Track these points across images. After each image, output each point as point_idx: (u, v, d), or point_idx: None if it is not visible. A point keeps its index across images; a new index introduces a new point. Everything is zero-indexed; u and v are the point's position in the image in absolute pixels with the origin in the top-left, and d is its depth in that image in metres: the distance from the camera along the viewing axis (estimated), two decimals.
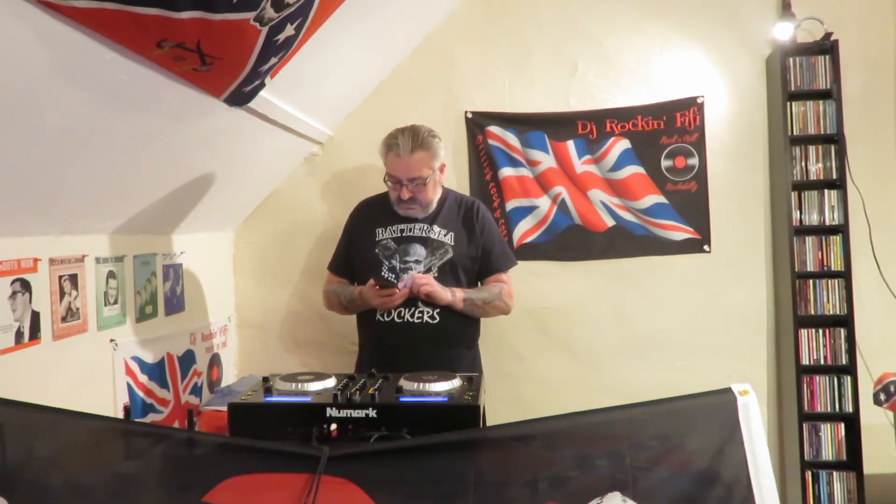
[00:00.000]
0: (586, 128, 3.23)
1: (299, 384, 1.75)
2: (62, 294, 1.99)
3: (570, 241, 3.25)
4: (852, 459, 2.95)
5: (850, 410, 2.95)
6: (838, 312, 2.99)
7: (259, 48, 1.64)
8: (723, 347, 3.20)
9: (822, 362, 3.00)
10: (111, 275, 2.25)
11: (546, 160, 3.24)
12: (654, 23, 3.22)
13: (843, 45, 3.02)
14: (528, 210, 3.26)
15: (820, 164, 3.04)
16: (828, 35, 3.03)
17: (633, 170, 3.22)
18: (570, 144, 3.23)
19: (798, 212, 3.03)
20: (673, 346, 3.22)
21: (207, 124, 2.12)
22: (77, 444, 1.52)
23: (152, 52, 1.49)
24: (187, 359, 2.75)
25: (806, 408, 2.98)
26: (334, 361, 3.17)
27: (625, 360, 3.24)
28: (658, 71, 3.23)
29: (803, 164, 3.04)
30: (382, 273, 2.52)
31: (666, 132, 3.21)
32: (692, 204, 3.21)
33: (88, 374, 2.12)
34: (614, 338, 3.26)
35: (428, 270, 2.49)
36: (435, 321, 2.47)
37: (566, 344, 3.27)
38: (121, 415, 2.19)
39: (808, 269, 3.01)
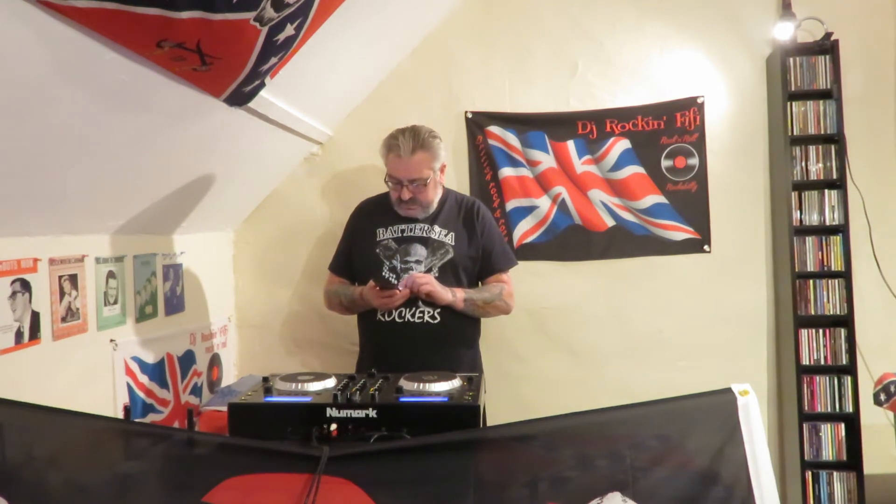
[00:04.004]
0: (586, 128, 3.23)
1: (299, 384, 1.75)
2: (62, 294, 1.99)
3: (570, 241, 3.25)
4: (852, 459, 2.95)
5: (850, 410, 2.95)
6: (838, 312, 2.99)
7: (259, 48, 1.64)
8: (723, 347, 3.20)
9: (822, 362, 3.00)
10: (111, 275, 2.25)
11: (546, 160, 3.24)
12: (654, 23, 3.22)
13: (843, 45, 3.02)
14: (528, 210, 3.26)
15: (820, 164, 3.03)
16: (828, 35, 3.03)
17: (633, 170, 3.22)
18: (570, 144, 3.23)
19: (798, 212, 3.03)
20: (673, 346, 3.22)
21: (207, 124, 2.12)
22: (77, 444, 1.52)
23: (152, 52, 1.49)
24: (187, 359, 2.75)
25: (806, 408, 2.98)
26: (335, 361, 3.17)
27: (625, 360, 3.24)
28: (658, 71, 3.23)
29: (803, 164, 3.04)
30: (383, 273, 2.51)
31: (666, 132, 3.21)
32: (692, 204, 3.21)
33: (88, 374, 2.12)
34: (614, 338, 3.26)
35: (429, 270, 2.50)
36: (436, 321, 2.47)
37: (566, 344, 3.27)
38: (121, 415, 2.19)
39: (808, 269, 3.01)
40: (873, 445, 2.98)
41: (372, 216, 2.64)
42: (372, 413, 1.61)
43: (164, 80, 1.68)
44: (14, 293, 1.80)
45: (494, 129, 3.24)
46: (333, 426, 1.60)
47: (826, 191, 3.03)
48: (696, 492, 1.44)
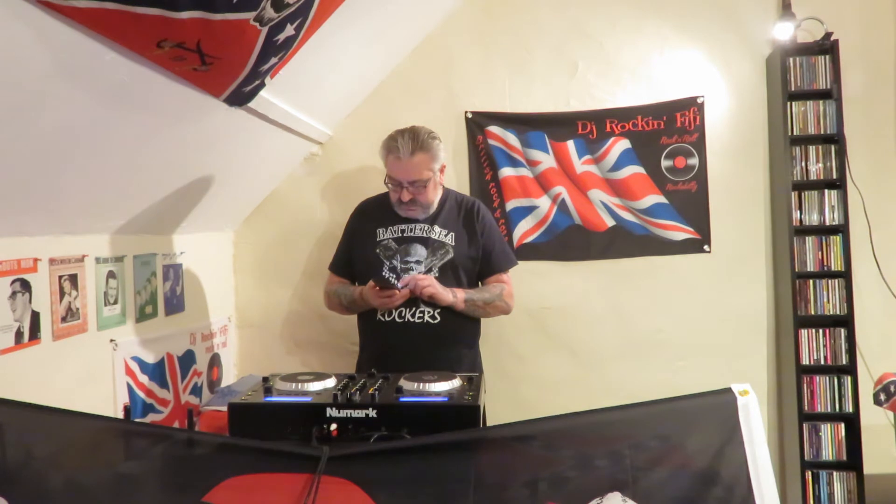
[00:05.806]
0: (586, 128, 3.23)
1: (299, 384, 1.76)
2: (62, 294, 1.99)
3: (570, 241, 3.25)
4: (852, 459, 2.95)
5: (850, 410, 2.95)
6: (838, 312, 2.99)
7: (259, 48, 1.64)
8: (723, 347, 3.20)
9: (822, 362, 3.00)
10: (111, 275, 2.25)
11: (546, 160, 3.24)
12: (654, 23, 3.22)
13: (843, 45, 3.02)
14: (528, 210, 3.26)
15: (820, 164, 3.03)
16: (828, 35, 3.03)
17: (633, 170, 3.22)
18: (570, 144, 3.23)
19: (798, 212, 3.03)
20: (673, 346, 3.22)
21: (207, 124, 2.12)
22: (77, 444, 1.52)
23: (152, 52, 1.49)
24: (187, 359, 2.75)
25: (806, 408, 2.98)
26: (334, 361, 3.17)
27: (625, 360, 3.24)
28: (658, 71, 3.23)
29: (803, 164, 3.04)
30: (383, 273, 2.52)
31: (666, 132, 3.21)
32: (692, 204, 3.21)
33: (88, 374, 2.12)
34: (614, 338, 3.26)
35: (429, 271, 2.50)
36: (436, 321, 2.47)
37: (566, 344, 3.27)
38: (121, 415, 2.18)
39: (808, 269, 3.01)
40: (873, 445, 2.98)
41: (372, 216, 2.64)
42: (372, 413, 1.61)
43: (164, 80, 1.68)
44: (14, 293, 1.80)
45: (494, 129, 3.24)
46: (333, 426, 1.60)
47: (826, 191, 3.03)
48: (696, 492, 1.44)
